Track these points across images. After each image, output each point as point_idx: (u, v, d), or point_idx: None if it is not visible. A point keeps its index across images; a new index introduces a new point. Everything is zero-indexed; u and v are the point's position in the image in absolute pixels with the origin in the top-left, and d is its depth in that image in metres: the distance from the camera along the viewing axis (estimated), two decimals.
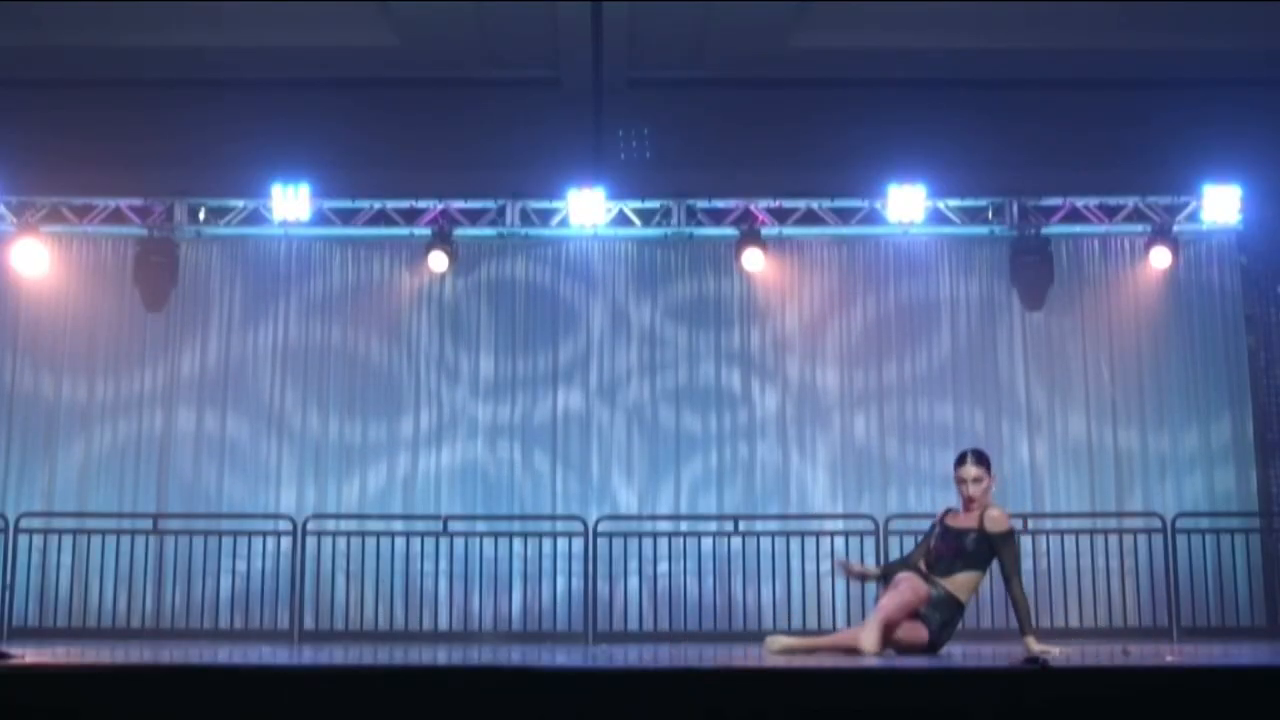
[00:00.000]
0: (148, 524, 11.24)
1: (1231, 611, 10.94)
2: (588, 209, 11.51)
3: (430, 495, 11.62)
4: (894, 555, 10.66)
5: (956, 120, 11.45)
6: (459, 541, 11.18)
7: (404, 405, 11.77)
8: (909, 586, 7.01)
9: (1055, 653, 6.37)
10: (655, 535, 11.26)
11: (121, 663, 5.48)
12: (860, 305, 11.96)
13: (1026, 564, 11.14)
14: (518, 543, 11.31)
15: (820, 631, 10.89)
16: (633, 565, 11.21)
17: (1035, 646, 6.61)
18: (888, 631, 6.93)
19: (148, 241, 11.72)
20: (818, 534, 11.18)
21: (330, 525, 11.29)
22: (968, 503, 7.17)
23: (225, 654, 7.29)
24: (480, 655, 7.25)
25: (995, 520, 7.04)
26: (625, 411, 11.77)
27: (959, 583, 7.11)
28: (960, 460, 7.28)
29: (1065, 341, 11.81)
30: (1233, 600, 10.97)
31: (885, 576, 7.43)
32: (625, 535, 11.20)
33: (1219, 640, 10.38)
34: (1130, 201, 11.76)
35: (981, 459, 7.23)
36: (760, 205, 11.76)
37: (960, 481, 7.18)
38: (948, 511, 7.37)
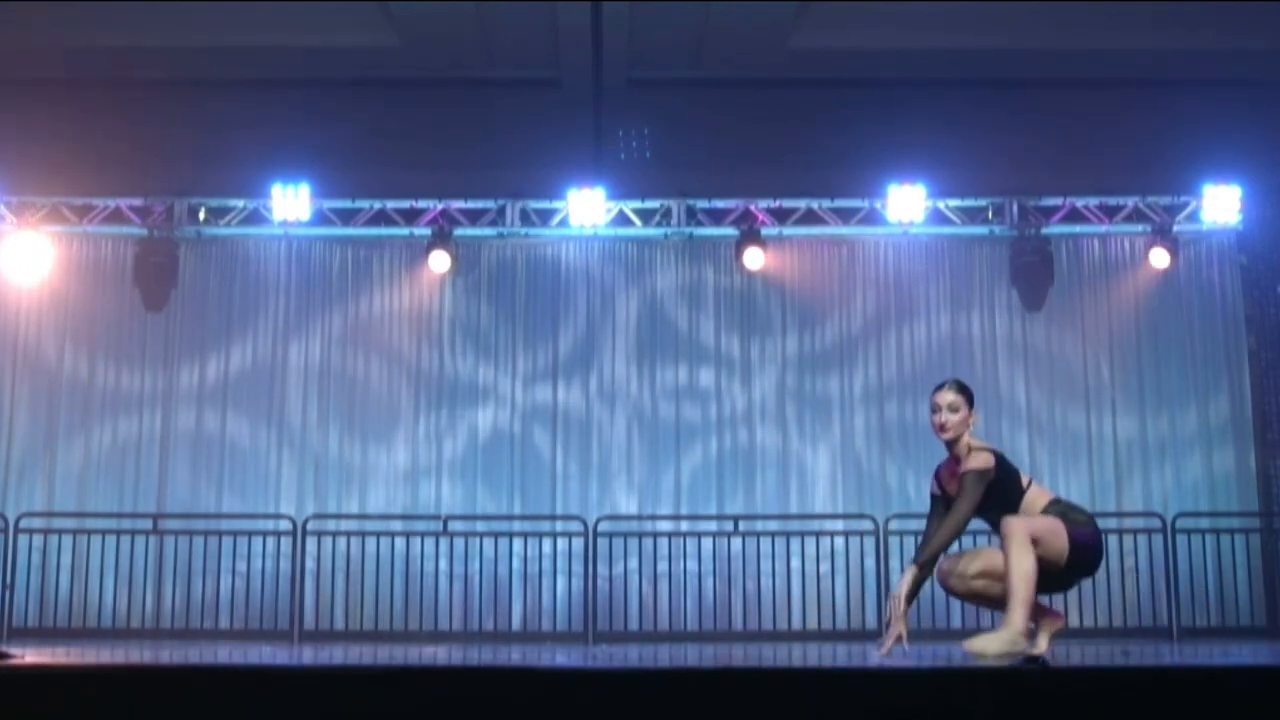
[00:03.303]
0: (148, 524, 11.24)
1: (1231, 611, 10.95)
2: (588, 209, 11.52)
3: (430, 495, 11.62)
4: (894, 555, 10.69)
5: (956, 120, 11.45)
6: (459, 541, 11.18)
7: (404, 405, 11.77)
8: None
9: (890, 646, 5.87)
10: (655, 535, 11.26)
11: (121, 663, 5.48)
12: (860, 305, 11.96)
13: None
14: (518, 543, 11.32)
15: (821, 632, 10.93)
16: (633, 565, 11.21)
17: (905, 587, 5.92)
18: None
19: (148, 241, 11.72)
20: (818, 534, 11.19)
21: (330, 525, 11.29)
22: (941, 432, 6.17)
23: (225, 654, 7.29)
24: (480, 655, 7.25)
25: (973, 458, 6.06)
26: (625, 411, 11.77)
27: (1027, 511, 6.06)
28: (936, 388, 6.30)
29: (1065, 341, 11.82)
30: (1233, 600, 10.98)
31: (924, 569, 6.13)
32: (625, 535, 11.21)
33: (1219, 640, 10.37)
34: (1130, 201, 11.77)
35: (963, 389, 6.23)
36: (760, 205, 11.77)
37: (934, 410, 6.17)
38: (945, 490, 6.31)
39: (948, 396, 6.23)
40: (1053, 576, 6.07)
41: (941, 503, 6.35)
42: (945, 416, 6.20)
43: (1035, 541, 5.94)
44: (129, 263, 11.78)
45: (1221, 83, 11.60)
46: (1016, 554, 5.90)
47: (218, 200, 11.84)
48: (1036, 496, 6.20)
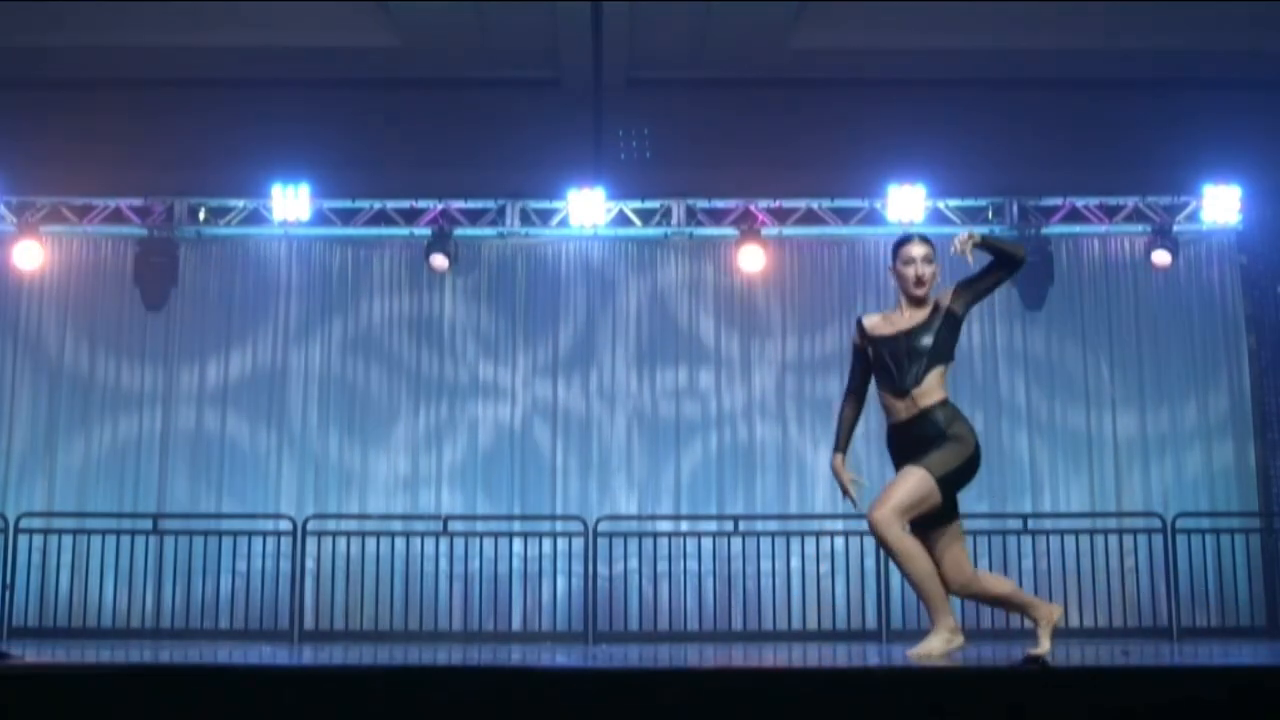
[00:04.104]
0: (148, 524, 11.24)
1: (1231, 611, 10.95)
2: (588, 209, 11.52)
3: (430, 495, 11.62)
4: None
5: (956, 120, 11.45)
6: (459, 541, 11.18)
7: (403, 404, 11.77)
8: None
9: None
10: (655, 535, 11.26)
11: (121, 663, 5.48)
12: (860, 305, 11.93)
13: (1026, 564, 11.14)
14: (518, 543, 11.33)
15: (821, 632, 10.93)
16: (633, 565, 11.21)
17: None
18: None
19: (148, 241, 11.72)
20: (817, 534, 11.18)
21: (330, 525, 11.29)
22: (917, 286, 6.01)
23: (225, 654, 7.29)
24: (480, 655, 7.25)
25: (953, 292, 6.05)
26: (626, 411, 11.78)
27: (931, 386, 6.10)
28: (904, 241, 6.04)
29: (1065, 341, 11.82)
30: (1233, 600, 10.98)
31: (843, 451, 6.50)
32: (625, 535, 11.21)
33: (1219, 640, 10.37)
34: (1130, 201, 11.77)
35: (930, 241, 6.11)
36: (760, 205, 11.77)
37: (908, 263, 5.95)
38: (867, 333, 6.21)
39: (922, 248, 6.02)
40: (943, 503, 6.02)
41: (864, 356, 6.24)
42: (923, 269, 6.03)
43: (910, 514, 5.97)
44: (129, 262, 11.78)
45: (1221, 83, 11.60)
46: (898, 559, 5.91)
47: (218, 200, 11.84)
48: (940, 382, 6.14)
